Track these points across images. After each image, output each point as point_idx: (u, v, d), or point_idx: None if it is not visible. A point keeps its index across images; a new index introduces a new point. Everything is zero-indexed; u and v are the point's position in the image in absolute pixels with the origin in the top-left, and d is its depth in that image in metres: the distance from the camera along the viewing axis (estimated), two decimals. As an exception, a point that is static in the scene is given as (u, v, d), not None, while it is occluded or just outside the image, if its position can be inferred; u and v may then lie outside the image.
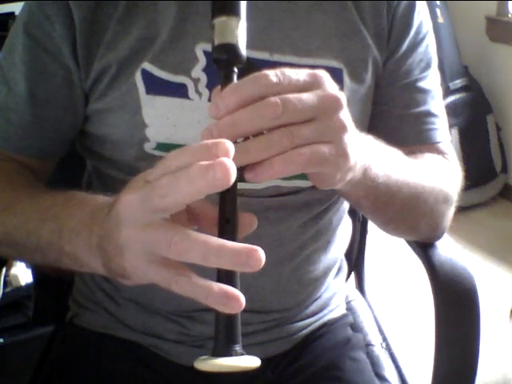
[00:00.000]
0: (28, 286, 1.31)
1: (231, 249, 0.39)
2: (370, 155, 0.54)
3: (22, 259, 0.88)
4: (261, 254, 0.39)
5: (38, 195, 0.60)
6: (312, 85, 0.44)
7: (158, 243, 0.41)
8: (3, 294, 1.30)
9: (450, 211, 0.72)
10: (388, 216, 0.66)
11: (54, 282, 0.87)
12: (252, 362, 0.42)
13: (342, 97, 0.45)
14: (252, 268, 0.39)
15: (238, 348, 0.42)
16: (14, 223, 0.60)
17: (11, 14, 1.49)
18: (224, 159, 0.38)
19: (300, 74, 0.44)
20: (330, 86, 0.45)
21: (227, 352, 0.41)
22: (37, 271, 0.99)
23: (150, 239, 0.41)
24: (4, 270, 1.25)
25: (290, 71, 0.44)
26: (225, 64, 0.46)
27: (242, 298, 0.40)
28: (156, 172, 0.42)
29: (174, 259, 0.41)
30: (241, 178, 0.42)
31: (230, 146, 0.39)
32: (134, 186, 0.43)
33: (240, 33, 0.46)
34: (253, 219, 0.44)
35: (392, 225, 0.69)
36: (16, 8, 1.47)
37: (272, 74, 0.43)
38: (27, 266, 1.31)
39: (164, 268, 0.42)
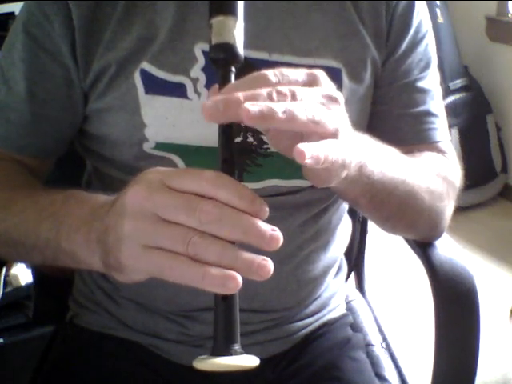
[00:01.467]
0: (28, 285, 1.31)
1: (246, 257, 0.40)
2: (365, 153, 0.55)
3: (20, 259, 0.88)
4: (270, 265, 0.41)
5: (36, 194, 0.60)
6: (310, 84, 0.44)
7: (172, 240, 0.41)
8: (3, 294, 1.30)
9: (449, 210, 0.72)
10: (385, 214, 0.66)
11: (54, 282, 0.87)
12: (251, 361, 0.42)
13: (339, 94, 0.45)
14: (260, 277, 0.41)
15: (237, 347, 0.42)
16: (13, 222, 0.60)
17: (11, 14, 1.49)
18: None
19: (298, 74, 0.44)
20: (327, 84, 0.45)
21: (226, 351, 0.41)
22: (37, 271, 0.99)
23: (162, 235, 0.42)
24: (4, 269, 1.25)
25: (289, 71, 0.44)
26: (222, 63, 0.46)
27: (239, 278, 0.40)
28: (182, 181, 0.42)
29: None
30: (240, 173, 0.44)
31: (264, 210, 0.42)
32: (148, 184, 0.43)
33: (237, 32, 0.46)
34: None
35: (390, 223, 0.69)
36: (16, 8, 1.47)
37: (271, 74, 0.43)
38: (27, 266, 1.31)
39: (157, 253, 0.42)
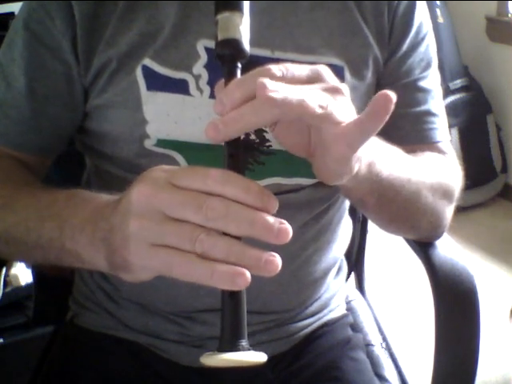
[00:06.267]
0: (28, 285, 1.31)
1: (252, 253, 0.40)
2: (373, 150, 0.55)
3: (21, 258, 0.88)
4: (278, 261, 0.41)
5: (38, 192, 0.60)
6: (314, 79, 0.44)
7: (179, 237, 0.41)
8: (3, 294, 1.30)
9: (451, 209, 0.72)
10: (391, 214, 0.66)
11: (54, 282, 0.87)
12: (258, 357, 0.42)
13: (344, 87, 0.46)
14: (268, 273, 0.41)
15: (244, 343, 0.42)
16: (14, 220, 0.59)
17: (11, 14, 1.49)
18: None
19: (302, 69, 0.44)
20: (331, 79, 0.45)
21: (233, 347, 0.41)
22: (37, 271, 0.99)
23: (169, 233, 0.42)
24: (4, 269, 1.25)
25: (293, 66, 0.44)
26: (228, 59, 0.46)
27: (248, 274, 0.40)
28: (188, 179, 0.42)
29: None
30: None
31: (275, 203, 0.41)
32: (153, 182, 0.43)
33: (243, 28, 0.46)
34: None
35: (394, 223, 0.69)
36: (16, 8, 1.47)
37: (275, 69, 0.43)
38: (27, 266, 1.31)
39: (164, 250, 0.42)
